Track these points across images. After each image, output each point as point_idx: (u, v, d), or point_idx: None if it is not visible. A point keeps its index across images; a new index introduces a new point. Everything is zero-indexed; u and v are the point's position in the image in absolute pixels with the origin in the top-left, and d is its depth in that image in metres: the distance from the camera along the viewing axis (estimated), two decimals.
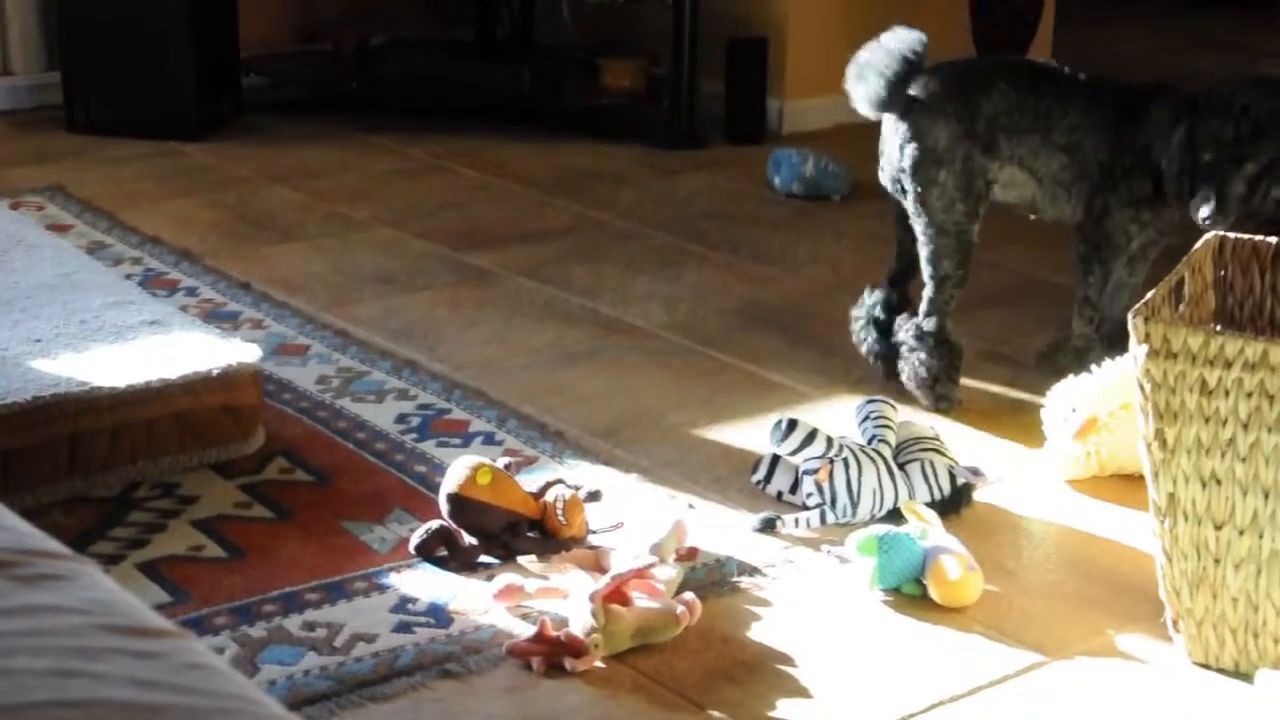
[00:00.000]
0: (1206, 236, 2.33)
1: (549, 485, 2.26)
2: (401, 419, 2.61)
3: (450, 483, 2.21)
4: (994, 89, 2.68)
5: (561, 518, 2.20)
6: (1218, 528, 2.00)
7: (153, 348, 2.45)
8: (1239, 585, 1.99)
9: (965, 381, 2.84)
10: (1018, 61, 2.71)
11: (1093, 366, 2.51)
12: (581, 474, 2.40)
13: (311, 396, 2.68)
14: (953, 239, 2.65)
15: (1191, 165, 2.48)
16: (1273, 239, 2.33)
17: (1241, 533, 1.98)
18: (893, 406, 2.44)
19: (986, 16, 4.53)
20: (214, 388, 2.39)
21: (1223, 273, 2.35)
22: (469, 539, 2.18)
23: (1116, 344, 2.61)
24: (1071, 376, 2.54)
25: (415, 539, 2.19)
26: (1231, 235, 2.35)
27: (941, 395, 2.69)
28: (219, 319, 2.98)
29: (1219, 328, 2.32)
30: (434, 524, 2.20)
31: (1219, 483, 1.97)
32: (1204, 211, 2.45)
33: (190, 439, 2.39)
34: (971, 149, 2.65)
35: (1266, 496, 1.95)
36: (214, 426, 2.40)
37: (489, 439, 2.54)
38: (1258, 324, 2.35)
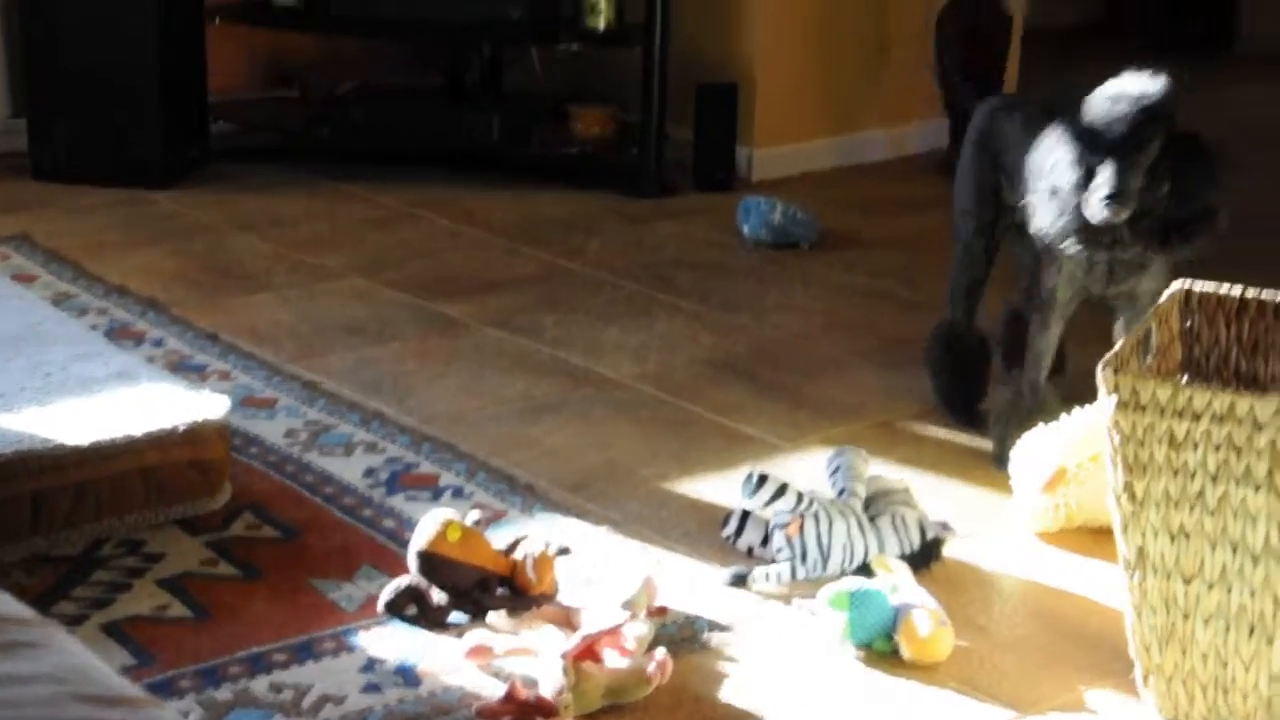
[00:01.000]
0: (1171, 289, 2.34)
1: (519, 541, 2.25)
2: (370, 473, 2.59)
3: (420, 539, 2.19)
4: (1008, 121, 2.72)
5: (531, 574, 2.18)
6: (1187, 582, 2.00)
7: (119, 401, 2.43)
8: (1208, 640, 2.00)
9: (932, 432, 2.85)
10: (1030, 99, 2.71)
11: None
12: (551, 529, 2.39)
13: (279, 450, 2.66)
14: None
15: (1085, 166, 2.40)
16: (1236, 289, 2.35)
17: (1211, 587, 1.98)
18: (863, 459, 2.44)
19: (952, 66, 4.56)
20: (181, 442, 2.38)
21: (1189, 324, 2.36)
22: (438, 596, 2.16)
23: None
24: (1040, 427, 2.54)
25: (384, 596, 2.17)
26: (1197, 287, 2.36)
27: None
28: (186, 371, 2.96)
29: (1186, 379, 2.34)
30: (403, 581, 2.18)
31: (1188, 536, 1.98)
32: (1097, 198, 2.35)
33: (156, 495, 2.36)
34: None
35: (1235, 551, 1.95)
36: (180, 482, 2.38)
37: (458, 493, 2.53)
38: (1224, 375, 2.36)
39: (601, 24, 4.38)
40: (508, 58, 4.89)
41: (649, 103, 4.25)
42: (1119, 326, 2.66)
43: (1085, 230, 2.43)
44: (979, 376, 2.93)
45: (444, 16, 4.36)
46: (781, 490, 2.28)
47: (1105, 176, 2.35)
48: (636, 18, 4.30)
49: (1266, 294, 2.35)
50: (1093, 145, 2.38)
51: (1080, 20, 6.69)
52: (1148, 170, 2.38)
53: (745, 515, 2.39)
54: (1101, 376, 1.98)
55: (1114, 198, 2.34)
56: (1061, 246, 2.48)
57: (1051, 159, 2.46)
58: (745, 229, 3.93)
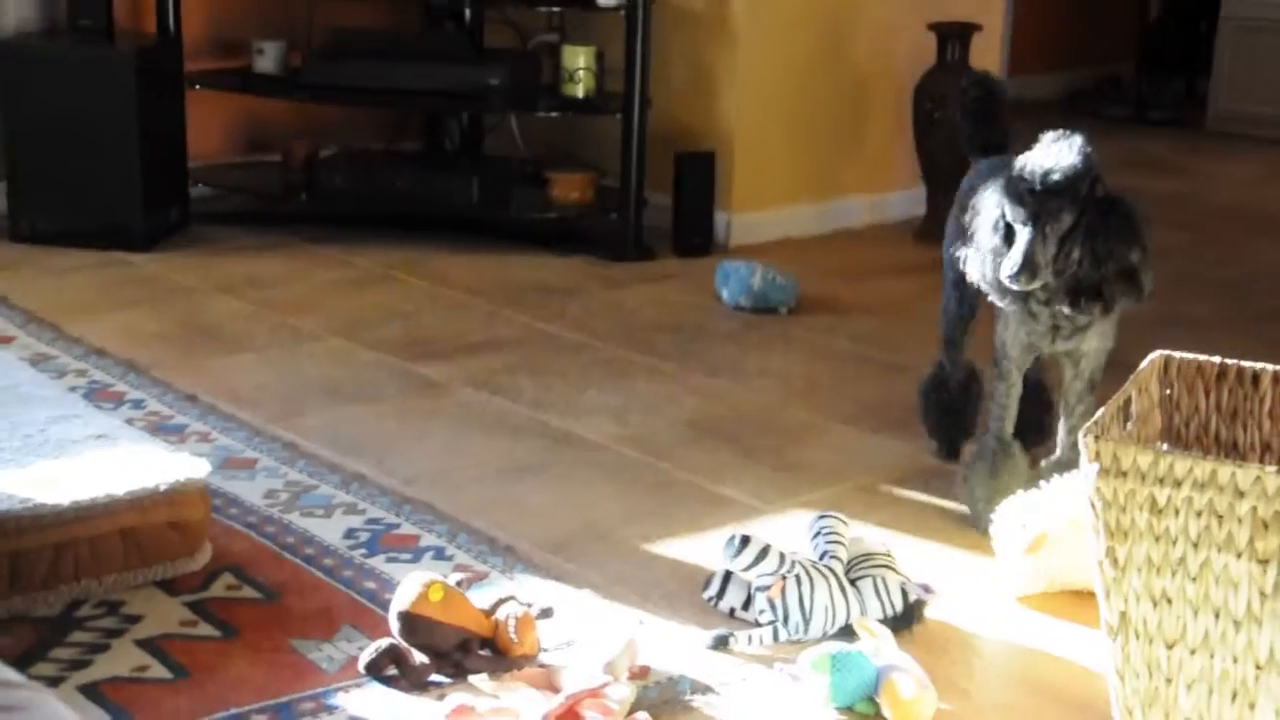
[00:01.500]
0: (1151, 356, 2.37)
1: (500, 602, 2.24)
2: (350, 534, 2.58)
3: (401, 600, 2.18)
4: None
5: (513, 635, 2.18)
6: (1169, 647, 2.00)
7: (99, 463, 2.41)
8: (1191, 706, 2.00)
9: (913, 495, 2.86)
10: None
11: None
12: (533, 590, 2.38)
13: (259, 511, 2.65)
14: None
15: (1005, 231, 2.46)
16: (1215, 358, 2.37)
17: (1193, 652, 1.99)
18: (844, 522, 2.44)
19: (929, 135, 4.62)
20: (161, 503, 2.36)
21: (1168, 391, 2.38)
22: (420, 657, 2.15)
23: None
24: (1020, 491, 2.56)
25: (365, 657, 2.16)
26: (1176, 355, 2.39)
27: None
28: (166, 432, 2.95)
29: (1166, 447, 2.35)
30: (384, 642, 2.17)
31: (1170, 602, 1.98)
32: (1005, 270, 2.41)
33: (136, 556, 2.35)
34: None
35: (1217, 616, 1.96)
36: (160, 543, 2.37)
37: (439, 554, 2.52)
38: (1204, 443, 2.38)
39: (581, 92, 4.42)
40: (487, 123, 4.92)
41: (628, 169, 4.29)
42: (1065, 385, 2.69)
43: (1008, 289, 2.49)
44: (964, 415, 3.01)
45: (424, 84, 4.38)
46: (764, 552, 2.28)
47: (1016, 248, 2.42)
48: (616, 86, 4.34)
49: (1245, 363, 2.37)
50: (1011, 212, 2.44)
51: (1064, 92, 6.78)
52: (1061, 238, 2.43)
53: (727, 577, 2.39)
54: (1083, 443, 1.99)
55: (1020, 271, 2.41)
56: (991, 299, 2.55)
57: (979, 218, 2.52)
58: (725, 293, 3.95)
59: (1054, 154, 2.42)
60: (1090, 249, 2.45)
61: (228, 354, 3.48)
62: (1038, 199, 2.40)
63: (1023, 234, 2.41)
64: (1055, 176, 2.40)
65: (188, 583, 2.38)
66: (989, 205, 2.51)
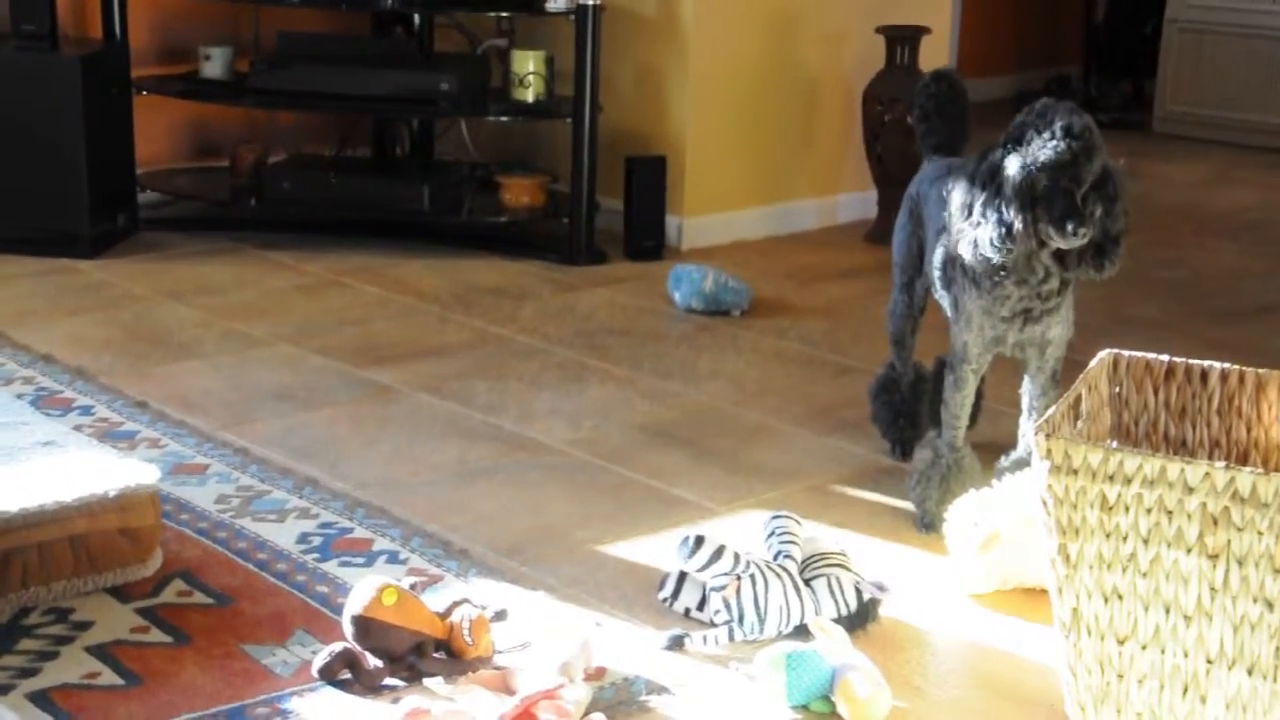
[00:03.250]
0: (1101, 354, 2.39)
1: (455, 605, 2.23)
2: (303, 538, 2.57)
3: (354, 604, 2.17)
4: (933, 186, 2.78)
5: (468, 638, 2.17)
6: (1121, 643, 2.02)
7: (47, 469, 2.39)
8: (1143, 700, 2.02)
9: (865, 495, 2.87)
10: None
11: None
12: (487, 593, 2.38)
13: (211, 517, 2.63)
14: None
15: (1030, 194, 2.45)
16: (1164, 357, 2.40)
17: (1144, 648, 2.01)
18: (798, 522, 2.45)
19: (879, 138, 4.64)
20: (110, 509, 2.34)
21: (1118, 389, 2.40)
22: (374, 661, 2.14)
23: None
24: (972, 491, 2.57)
25: (318, 662, 2.14)
26: (1125, 353, 2.41)
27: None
28: (115, 439, 2.93)
29: (1116, 444, 2.37)
30: (337, 646, 2.16)
31: (1121, 598, 2.00)
32: (1070, 227, 2.40)
33: (85, 562, 2.33)
34: None
35: (1168, 611, 1.98)
36: (110, 549, 2.34)
37: (393, 558, 2.51)
38: (1153, 440, 2.40)
39: (531, 97, 4.42)
40: (437, 128, 4.91)
41: (579, 173, 4.28)
42: (1027, 382, 2.70)
43: (1021, 260, 2.49)
44: (914, 416, 3.02)
45: (373, 89, 4.37)
46: (719, 553, 2.28)
47: (1066, 208, 2.40)
48: (566, 90, 4.34)
49: (1193, 361, 2.40)
50: (1049, 180, 2.41)
51: (1013, 94, 6.83)
52: (1085, 192, 2.45)
53: (682, 577, 2.39)
54: (1034, 441, 2.01)
55: (1080, 222, 2.40)
56: (999, 275, 2.53)
57: (989, 193, 2.49)
58: (677, 296, 3.95)
59: (1074, 118, 2.43)
60: (1108, 205, 2.47)
61: (177, 360, 3.45)
62: (1085, 160, 2.40)
63: (1072, 195, 2.40)
64: (1095, 132, 2.42)
65: (139, 589, 2.36)
66: (998, 175, 2.47)
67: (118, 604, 2.32)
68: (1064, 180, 2.41)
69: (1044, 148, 2.42)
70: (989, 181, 2.48)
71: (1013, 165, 2.46)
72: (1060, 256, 2.52)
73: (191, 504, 2.68)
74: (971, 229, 2.50)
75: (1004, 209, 2.46)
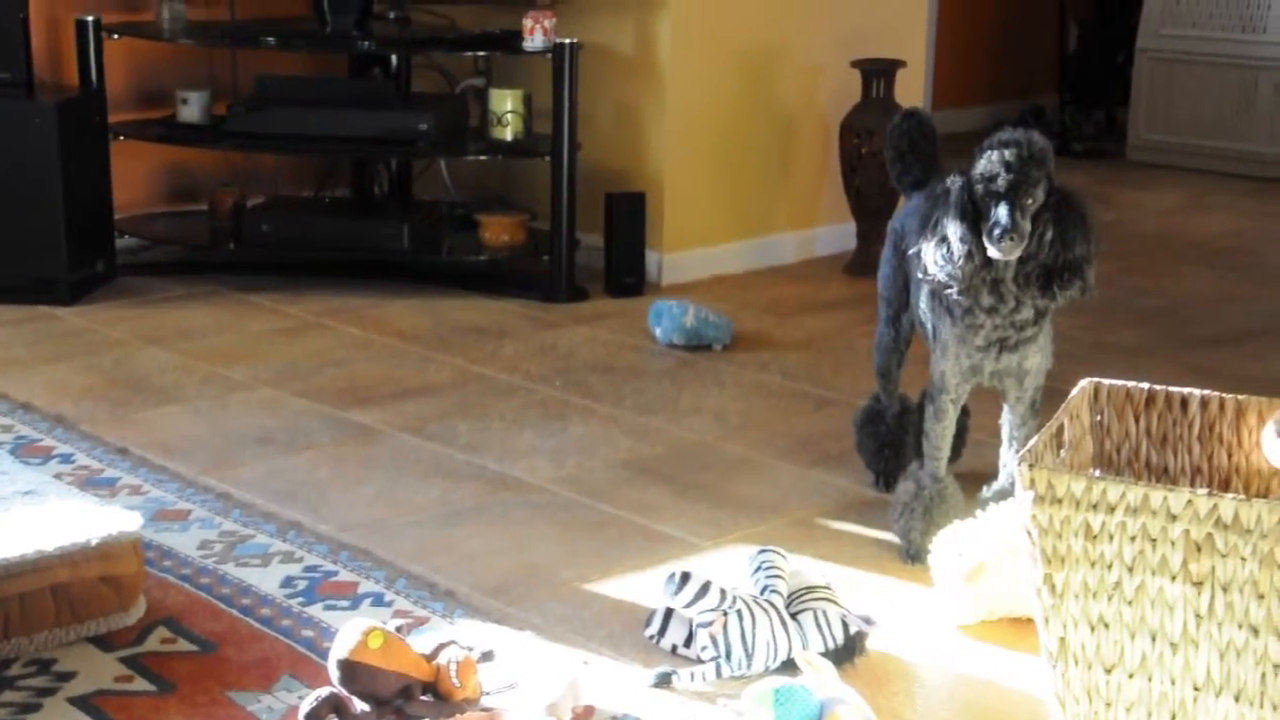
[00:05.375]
0: (1082, 383, 2.39)
1: (441, 647, 2.22)
2: (288, 582, 2.56)
3: (340, 648, 2.16)
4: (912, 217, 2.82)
5: (455, 680, 2.16)
6: (1108, 671, 2.02)
7: (27, 519, 2.37)
8: None
9: (850, 528, 2.87)
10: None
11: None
12: (473, 633, 2.37)
13: (194, 563, 2.62)
14: None
15: (973, 210, 2.50)
16: (1144, 385, 2.41)
17: (1131, 676, 2.01)
18: (783, 556, 2.45)
19: (857, 171, 4.66)
20: (92, 558, 2.33)
21: (1099, 418, 2.41)
22: (361, 705, 2.13)
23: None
24: (957, 521, 2.57)
25: (304, 707, 2.13)
26: (1106, 381, 2.42)
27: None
28: (96, 486, 2.91)
29: (1099, 473, 2.38)
30: (324, 691, 2.14)
31: (1107, 626, 2.00)
32: (996, 231, 2.44)
33: (68, 612, 2.31)
34: None
35: (1154, 639, 1.98)
36: (93, 598, 2.33)
37: (378, 600, 2.50)
38: (1135, 468, 2.41)
39: (509, 135, 4.43)
40: (416, 168, 4.92)
41: (558, 211, 4.29)
42: (1006, 412, 2.71)
43: (970, 277, 2.51)
44: (900, 447, 3.03)
45: (351, 130, 4.37)
46: (705, 589, 2.28)
47: (998, 216, 2.44)
48: (544, 128, 4.36)
49: (1173, 388, 2.41)
50: (983, 192, 2.47)
51: (989, 124, 6.87)
52: (1033, 216, 2.47)
53: (668, 614, 2.38)
54: (1018, 472, 2.01)
55: (1007, 233, 2.43)
56: (947, 292, 2.56)
57: (938, 211, 2.54)
58: (658, 332, 3.95)
59: (1020, 135, 2.49)
60: (1060, 232, 2.49)
61: (158, 406, 3.44)
62: (1017, 167, 2.44)
63: (1002, 205, 2.45)
64: (1037, 144, 2.47)
65: (122, 638, 2.34)
66: (950, 194, 2.53)
67: (100, 653, 2.30)
68: (994, 187, 2.45)
69: (980, 161, 2.48)
70: (940, 201, 2.53)
71: (955, 182, 2.51)
72: (1026, 283, 2.53)
73: (174, 550, 2.66)
74: (925, 248, 2.55)
75: (945, 224, 2.50)
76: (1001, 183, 2.45)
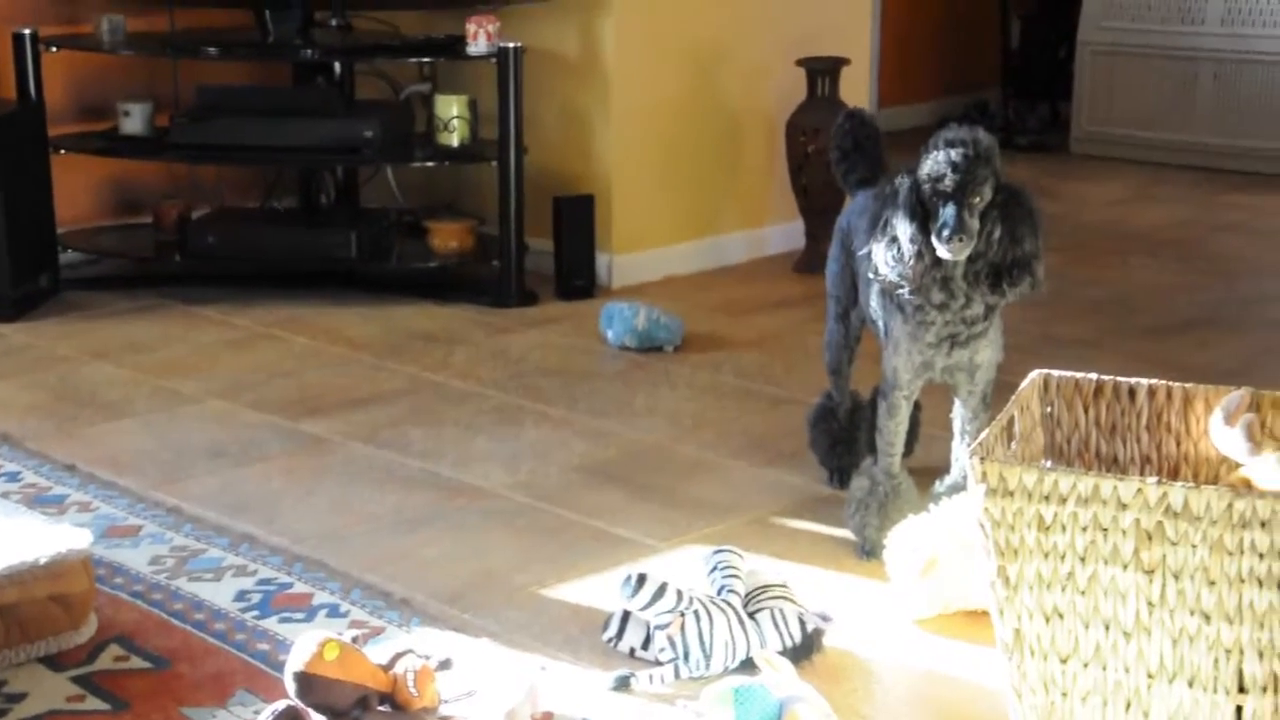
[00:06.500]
0: (1031, 375, 2.41)
1: (398, 656, 2.21)
2: (241, 596, 2.54)
3: (296, 660, 2.14)
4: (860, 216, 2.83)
5: (412, 689, 2.14)
6: (1063, 661, 2.03)
7: None
8: (1087, 718, 2.03)
9: (806, 526, 2.88)
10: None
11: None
12: (430, 642, 2.35)
13: (145, 579, 2.59)
14: None
15: (921, 210, 2.51)
16: (1093, 376, 2.42)
17: (1086, 665, 2.02)
18: (739, 555, 2.45)
19: (804, 169, 4.67)
20: (41, 577, 2.30)
21: (1049, 409, 2.42)
22: (318, 717, 2.11)
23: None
24: (911, 516, 2.58)
25: None
26: (1055, 373, 2.43)
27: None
28: (44, 504, 2.88)
29: (1050, 464, 2.39)
30: (280, 704, 2.12)
31: (1061, 617, 2.01)
32: (945, 231, 2.45)
33: (17, 633, 2.28)
34: None
35: (1108, 628, 1.99)
36: (42, 618, 2.30)
37: (333, 611, 2.49)
38: (1085, 458, 2.42)
39: (456, 141, 4.41)
40: (363, 176, 4.89)
41: (507, 215, 4.28)
42: (958, 407, 2.73)
43: (921, 276, 2.52)
44: (851, 444, 3.04)
45: (296, 139, 4.35)
46: (661, 590, 2.28)
47: (946, 216, 2.46)
48: (491, 133, 4.34)
49: (1121, 378, 2.42)
50: (931, 192, 2.48)
51: (934, 120, 6.91)
52: (981, 214, 2.49)
53: (626, 617, 2.38)
54: (969, 465, 2.02)
55: (955, 233, 2.44)
56: (899, 292, 2.57)
57: (887, 211, 2.56)
58: (610, 334, 3.95)
59: (967, 133, 2.50)
60: (1008, 229, 2.50)
61: (106, 421, 3.41)
62: (964, 167, 2.45)
63: (949, 205, 2.46)
64: (983, 143, 2.48)
65: (73, 657, 2.32)
66: (899, 194, 2.53)
67: (51, 674, 2.28)
68: (942, 187, 2.46)
69: (927, 161, 2.49)
70: (889, 201, 2.54)
71: (903, 183, 2.52)
72: (976, 280, 2.55)
73: (125, 567, 2.64)
74: (876, 249, 2.56)
75: (894, 224, 2.51)
76: (949, 183, 2.46)
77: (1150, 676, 1.99)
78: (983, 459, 2.02)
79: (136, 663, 2.32)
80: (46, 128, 4.33)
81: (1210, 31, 6.28)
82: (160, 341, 4.00)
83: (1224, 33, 6.25)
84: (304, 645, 2.14)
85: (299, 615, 2.47)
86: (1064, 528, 1.98)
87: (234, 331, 4.09)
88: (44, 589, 2.31)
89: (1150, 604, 1.97)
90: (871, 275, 2.60)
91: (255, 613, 2.48)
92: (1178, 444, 2.39)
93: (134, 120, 4.51)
